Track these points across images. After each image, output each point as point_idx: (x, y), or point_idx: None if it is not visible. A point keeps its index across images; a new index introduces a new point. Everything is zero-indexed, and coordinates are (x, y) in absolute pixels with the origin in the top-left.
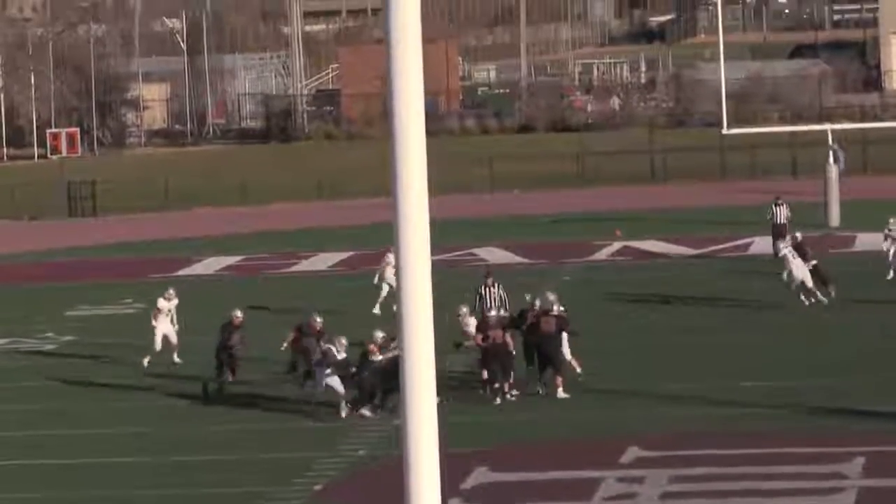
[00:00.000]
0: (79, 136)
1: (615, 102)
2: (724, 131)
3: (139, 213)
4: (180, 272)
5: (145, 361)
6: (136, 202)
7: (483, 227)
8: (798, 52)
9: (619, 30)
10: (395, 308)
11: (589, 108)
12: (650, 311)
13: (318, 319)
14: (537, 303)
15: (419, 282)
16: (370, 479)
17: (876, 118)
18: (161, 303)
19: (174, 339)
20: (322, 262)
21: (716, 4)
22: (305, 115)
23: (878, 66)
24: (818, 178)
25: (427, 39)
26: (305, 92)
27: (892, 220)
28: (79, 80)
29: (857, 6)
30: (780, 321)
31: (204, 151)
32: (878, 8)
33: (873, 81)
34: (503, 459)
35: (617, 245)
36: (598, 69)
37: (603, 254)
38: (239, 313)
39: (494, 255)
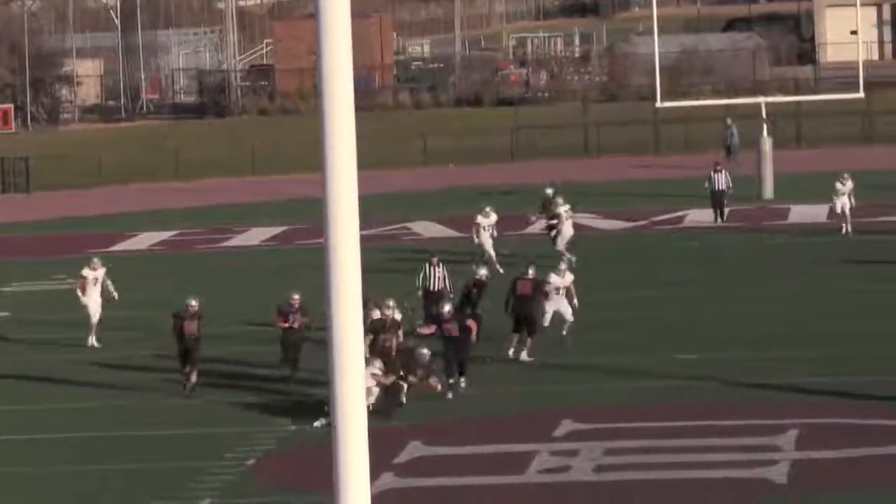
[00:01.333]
0: (12, 113)
1: (544, 76)
2: (658, 105)
3: (73, 189)
4: (115, 247)
5: (91, 340)
6: (71, 178)
7: (417, 202)
8: (732, 25)
9: (553, 4)
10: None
11: (523, 81)
12: (586, 285)
13: (297, 296)
14: (531, 271)
15: (348, 255)
16: (302, 453)
17: (810, 91)
18: (86, 272)
19: (96, 317)
20: (256, 236)
21: None
22: (239, 91)
23: (812, 39)
24: (752, 151)
25: (360, 14)
26: (239, 67)
27: (844, 176)
28: (12, 56)
29: None
30: (715, 293)
31: (138, 127)
32: None
33: (808, 54)
34: (437, 434)
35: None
36: (532, 43)
37: (537, 227)
38: (194, 302)
39: (429, 229)
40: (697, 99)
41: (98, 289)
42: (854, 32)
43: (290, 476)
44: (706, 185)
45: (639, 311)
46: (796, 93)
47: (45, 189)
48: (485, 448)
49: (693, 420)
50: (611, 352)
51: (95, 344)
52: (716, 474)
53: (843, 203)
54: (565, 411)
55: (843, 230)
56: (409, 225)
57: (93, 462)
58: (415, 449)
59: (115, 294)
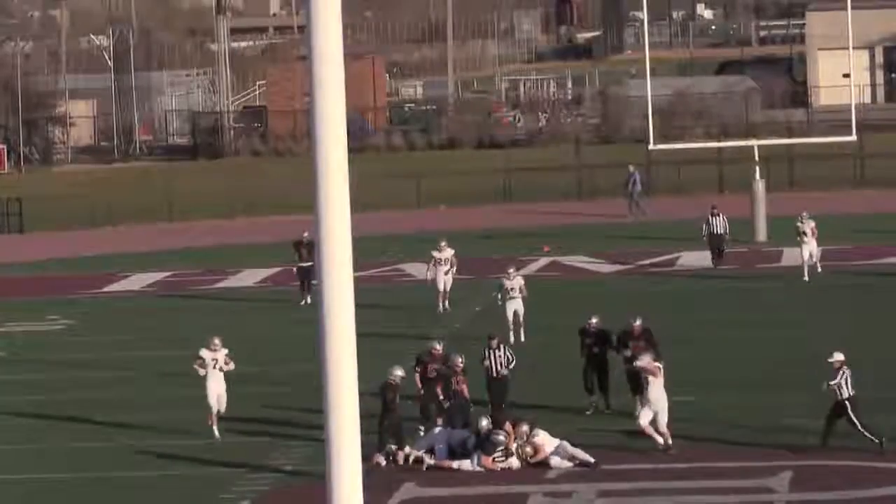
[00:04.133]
0: (5, 154)
1: (538, 118)
2: (651, 147)
3: (66, 230)
4: (107, 288)
5: (214, 428)
6: (64, 219)
7: (410, 243)
8: (724, 68)
9: (546, 46)
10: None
11: (516, 124)
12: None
13: (439, 346)
14: (593, 320)
15: (342, 296)
16: (296, 495)
17: (803, 134)
18: (204, 353)
19: (223, 404)
20: (249, 278)
21: (642, 21)
22: (232, 132)
23: (805, 83)
24: (745, 194)
25: (353, 55)
26: (232, 108)
27: (804, 215)
28: (5, 96)
29: (784, 22)
30: (708, 337)
31: (131, 168)
32: (805, 24)
33: (800, 97)
34: (430, 475)
35: (544, 261)
36: (524, 86)
37: (531, 269)
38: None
39: (421, 270)
40: (690, 141)
41: (218, 373)
42: (847, 76)
43: None
44: (703, 228)
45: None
46: (789, 135)
47: (39, 230)
48: (478, 489)
49: (686, 462)
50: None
51: (217, 436)
52: None
53: (811, 249)
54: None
55: (806, 277)
56: (402, 266)
57: None
58: (408, 491)
59: (231, 366)
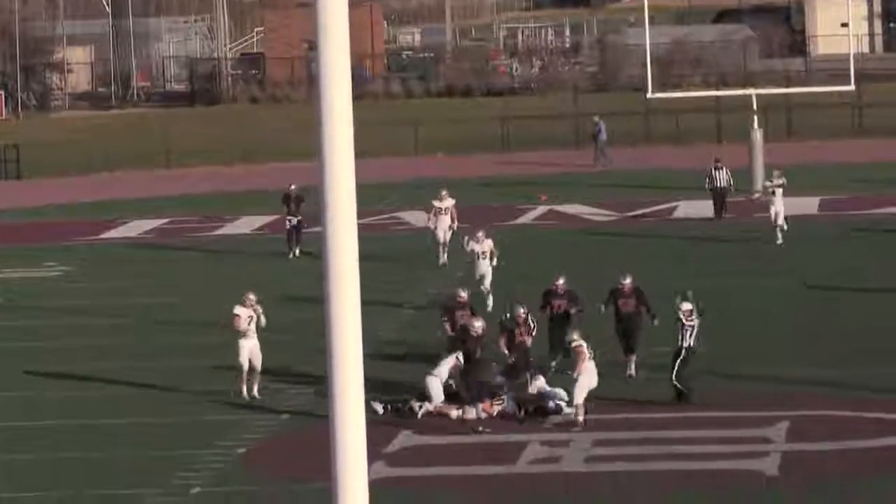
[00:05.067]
0: (3, 100)
1: (536, 66)
2: (649, 95)
3: (64, 176)
4: (104, 235)
5: (242, 390)
6: (61, 165)
7: (407, 191)
8: (722, 16)
9: None
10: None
11: (514, 73)
12: (573, 275)
13: (464, 294)
14: (560, 281)
15: (345, 243)
16: (293, 442)
17: (801, 83)
18: (239, 310)
19: (258, 362)
20: (246, 225)
21: None
22: (230, 79)
23: (803, 32)
24: (743, 144)
25: (351, 3)
26: (230, 55)
27: (775, 173)
28: (3, 42)
29: None
30: (706, 286)
31: (129, 114)
32: None
33: (798, 46)
34: (428, 424)
35: (542, 209)
36: (522, 33)
37: (528, 218)
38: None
39: (419, 218)
40: (688, 90)
41: (252, 329)
42: (845, 25)
43: (282, 465)
44: (706, 181)
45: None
46: (787, 85)
47: (36, 176)
48: (476, 438)
49: (683, 412)
50: (599, 345)
51: (257, 395)
52: (706, 466)
53: (778, 208)
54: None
55: (779, 240)
56: (399, 214)
57: (82, 449)
58: (406, 439)
59: (264, 320)
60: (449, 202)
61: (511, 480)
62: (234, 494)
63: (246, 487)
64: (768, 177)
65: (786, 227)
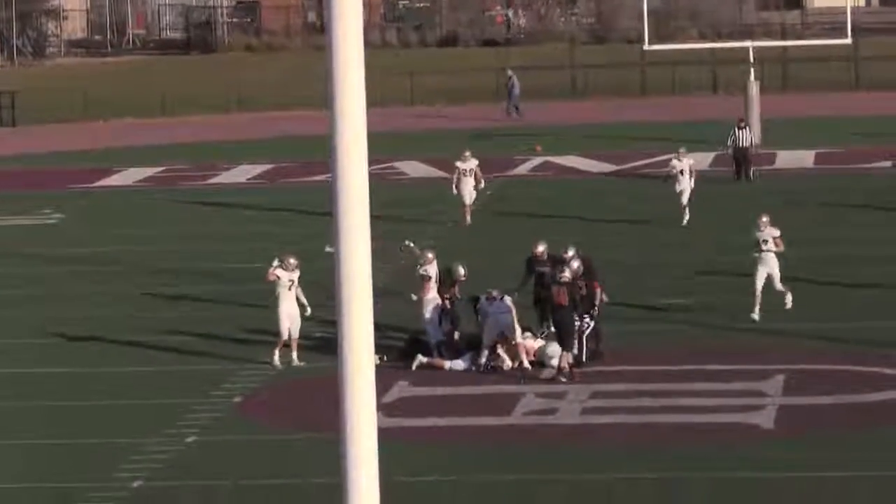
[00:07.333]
0: None
1: (521, 16)
2: (646, 47)
3: (59, 123)
4: (100, 183)
5: (275, 358)
6: (56, 112)
7: (404, 141)
8: None
9: None
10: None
11: (510, 22)
12: (566, 227)
13: (462, 270)
14: (540, 248)
15: (357, 190)
16: (289, 391)
17: (797, 36)
18: (281, 273)
19: (297, 328)
20: (242, 174)
21: None
22: (226, 27)
23: None
24: (739, 96)
25: None
26: (226, 3)
27: (681, 150)
28: None
29: None
30: (702, 240)
31: (124, 62)
32: None
33: None
34: (424, 375)
35: (537, 160)
36: None
37: (523, 169)
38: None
39: (415, 168)
40: (684, 42)
41: (293, 295)
42: None
43: (277, 413)
44: (728, 142)
45: (616, 253)
46: (783, 37)
47: (31, 123)
48: (471, 389)
49: (679, 365)
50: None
51: (297, 361)
52: (702, 419)
53: (684, 187)
54: None
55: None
56: (396, 164)
57: (77, 398)
58: (402, 389)
59: (308, 309)
60: (472, 163)
61: (506, 431)
62: (229, 444)
63: (242, 437)
64: (673, 157)
65: (688, 213)
